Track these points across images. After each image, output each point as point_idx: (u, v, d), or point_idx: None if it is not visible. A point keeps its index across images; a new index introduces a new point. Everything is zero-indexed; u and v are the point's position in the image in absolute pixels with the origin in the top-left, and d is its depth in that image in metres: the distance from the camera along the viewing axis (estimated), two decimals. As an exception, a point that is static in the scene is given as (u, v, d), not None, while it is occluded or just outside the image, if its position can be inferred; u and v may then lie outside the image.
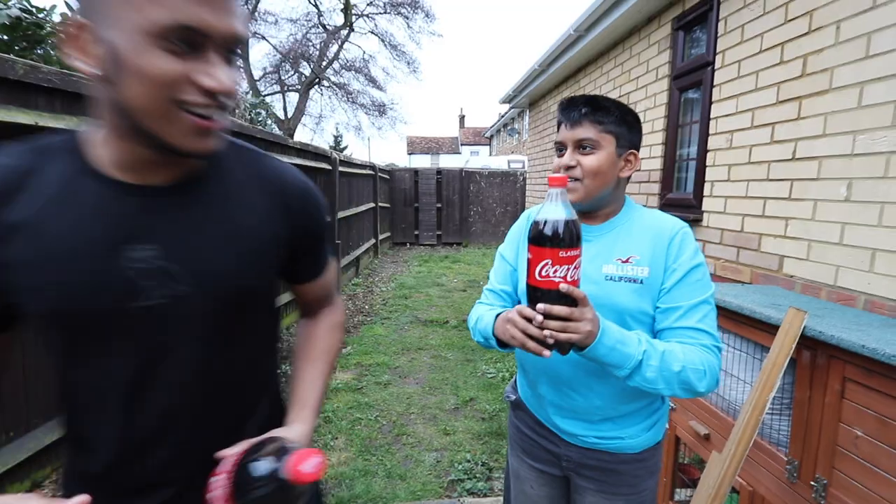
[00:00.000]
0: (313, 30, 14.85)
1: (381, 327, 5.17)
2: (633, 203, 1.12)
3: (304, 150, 5.07)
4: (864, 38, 1.70)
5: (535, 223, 0.80)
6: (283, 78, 15.07)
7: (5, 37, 2.87)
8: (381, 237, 10.40)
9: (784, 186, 2.06)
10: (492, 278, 1.20)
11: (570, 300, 0.80)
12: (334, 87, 15.72)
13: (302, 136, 17.56)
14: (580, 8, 3.67)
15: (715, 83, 2.53)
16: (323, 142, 22.38)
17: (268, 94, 14.84)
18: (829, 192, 1.84)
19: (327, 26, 14.99)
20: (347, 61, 15.64)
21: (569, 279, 0.79)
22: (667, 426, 1.20)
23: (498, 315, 0.99)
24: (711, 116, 2.56)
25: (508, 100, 7.13)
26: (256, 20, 14.00)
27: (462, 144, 39.29)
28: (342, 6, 14.61)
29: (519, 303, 1.07)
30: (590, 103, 1.02)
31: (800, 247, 1.98)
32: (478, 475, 2.53)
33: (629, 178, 1.09)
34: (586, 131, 1.00)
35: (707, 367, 0.91)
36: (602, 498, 1.08)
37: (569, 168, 1.01)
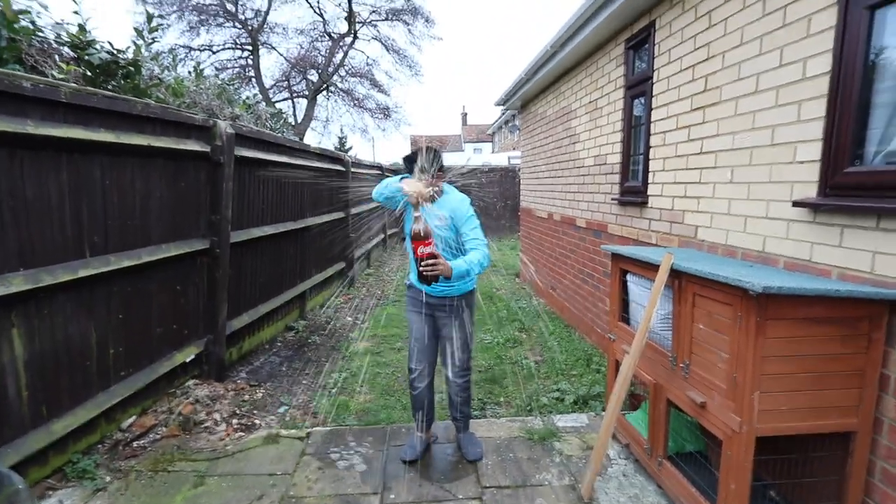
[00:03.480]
0: (319, 39, 15.59)
1: (392, 308, 5.89)
2: (445, 186, 2.38)
3: (323, 154, 5.80)
4: (736, 67, 2.37)
5: (414, 230, 1.97)
6: (291, 85, 15.85)
7: (88, 72, 3.61)
8: (388, 232, 11.11)
9: (696, 174, 2.73)
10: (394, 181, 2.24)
11: (434, 257, 1.97)
12: (341, 92, 16.48)
13: (310, 138, 18.29)
14: (565, 15, 4.32)
15: (653, 94, 3.20)
16: (329, 143, 23.18)
17: (277, 101, 15.61)
18: (722, 177, 2.51)
19: (332, 35, 15.73)
20: (352, 67, 16.39)
21: (430, 251, 1.98)
22: (475, 285, 2.47)
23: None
24: (651, 120, 3.23)
25: (502, 102, 7.79)
26: (267, 32, 14.77)
27: (465, 142, 39.88)
28: (346, 15, 15.34)
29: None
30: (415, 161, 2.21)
31: (706, 218, 2.65)
32: (475, 406, 3.23)
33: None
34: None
35: (483, 256, 2.16)
36: (447, 318, 2.39)
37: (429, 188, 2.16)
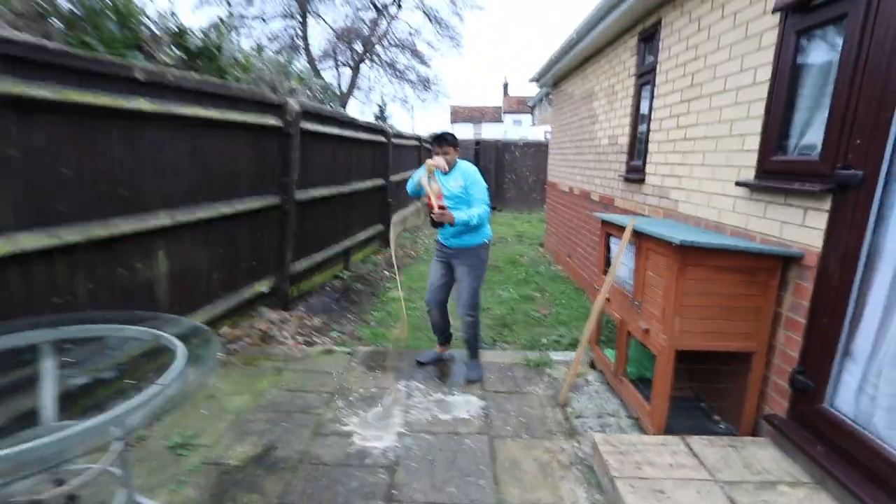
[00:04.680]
0: (364, 9, 16.06)
1: (424, 266, 6.67)
2: (459, 161, 3.08)
3: (368, 127, 6.51)
4: (712, 68, 2.86)
5: (427, 192, 2.92)
6: (337, 55, 16.53)
7: (185, 56, 4.41)
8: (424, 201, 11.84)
9: (680, 157, 3.25)
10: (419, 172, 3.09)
11: (442, 208, 2.87)
12: (384, 63, 17.01)
13: (353, 107, 19.01)
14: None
15: (656, 84, 3.68)
16: (370, 112, 23.87)
17: (323, 70, 16.34)
18: (697, 160, 3.03)
19: (377, 4, 16.15)
20: (395, 38, 16.81)
21: (440, 203, 2.88)
22: (485, 239, 3.12)
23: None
24: (653, 107, 3.71)
25: (537, 79, 8.19)
26: (315, 1, 15.38)
27: (505, 113, 39.58)
28: (391, -16, 15.66)
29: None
30: (443, 139, 2.99)
31: (685, 195, 3.19)
32: (488, 342, 3.97)
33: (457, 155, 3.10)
34: (445, 150, 2.98)
35: (483, 211, 2.95)
36: (460, 265, 3.13)
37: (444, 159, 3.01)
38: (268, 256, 4.12)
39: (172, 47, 4.39)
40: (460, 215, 2.87)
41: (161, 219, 2.78)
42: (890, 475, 1.71)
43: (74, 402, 2.15)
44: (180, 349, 1.75)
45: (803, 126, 2.19)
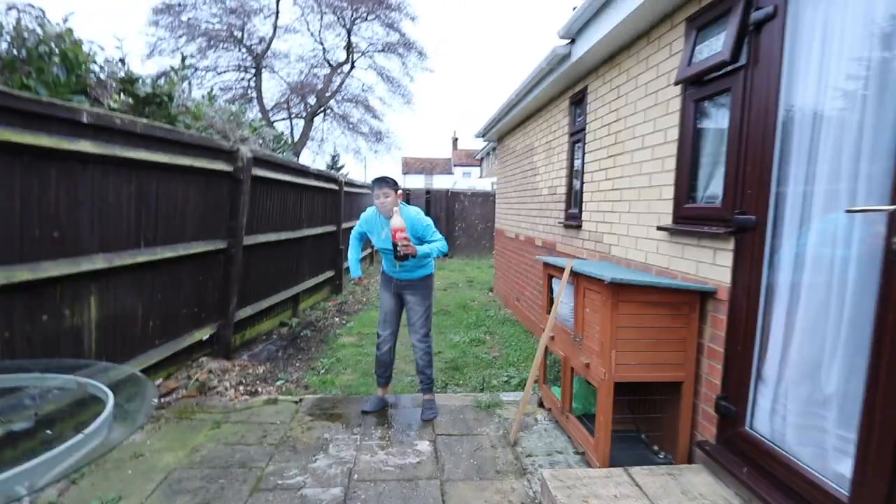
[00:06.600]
0: (319, 66, 16.63)
1: (375, 312, 6.61)
2: (402, 205, 3.12)
3: (320, 175, 6.60)
4: (632, 128, 3.26)
5: (393, 223, 2.92)
6: (290, 107, 16.79)
7: (133, 102, 4.37)
8: (374, 248, 11.86)
9: (610, 205, 3.59)
10: (354, 232, 3.38)
11: (407, 240, 2.91)
12: (337, 116, 17.46)
13: (305, 156, 19.11)
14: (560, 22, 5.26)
15: (586, 142, 4.09)
16: (322, 162, 24.04)
17: (276, 121, 16.48)
18: (624, 208, 3.36)
19: (331, 63, 16.78)
20: (349, 93, 17.42)
21: (405, 235, 2.90)
22: (432, 271, 3.33)
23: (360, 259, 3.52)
24: (585, 162, 4.10)
25: (482, 135, 8.74)
26: (270, 57, 15.75)
27: (455, 165, 41.28)
28: (345, 45, 16.43)
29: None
30: (382, 181, 3.06)
31: (615, 239, 3.49)
32: (439, 386, 3.96)
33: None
34: (385, 192, 3.04)
35: (441, 245, 3.13)
36: (411, 296, 3.26)
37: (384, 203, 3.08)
38: (211, 302, 3.96)
39: (121, 93, 4.36)
40: (423, 248, 3.02)
41: (96, 262, 2.66)
42: (802, 487, 1.88)
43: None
44: (110, 398, 1.66)
45: (708, 178, 2.53)
